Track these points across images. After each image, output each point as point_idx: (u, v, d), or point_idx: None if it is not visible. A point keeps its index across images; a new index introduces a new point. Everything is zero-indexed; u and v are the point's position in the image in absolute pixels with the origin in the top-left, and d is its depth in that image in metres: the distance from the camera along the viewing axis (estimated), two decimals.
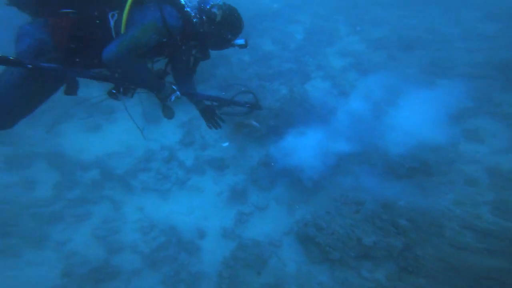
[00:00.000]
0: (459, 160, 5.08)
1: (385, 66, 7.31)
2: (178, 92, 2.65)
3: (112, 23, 2.32)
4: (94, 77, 2.42)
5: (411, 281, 3.90)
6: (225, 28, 2.64)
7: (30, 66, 2.08)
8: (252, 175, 5.47)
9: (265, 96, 5.92)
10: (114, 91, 2.54)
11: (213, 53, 2.92)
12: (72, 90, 2.51)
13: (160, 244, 4.73)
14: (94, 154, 6.00)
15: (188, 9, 2.47)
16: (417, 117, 5.26)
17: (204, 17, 2.56)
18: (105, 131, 6.57)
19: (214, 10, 2.54)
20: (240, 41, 2.80)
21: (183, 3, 2.47)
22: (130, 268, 4.44)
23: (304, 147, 5.09)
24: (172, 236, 4.83)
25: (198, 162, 5.74)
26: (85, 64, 2.49)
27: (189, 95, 3.02)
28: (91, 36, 2.36)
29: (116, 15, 2.33)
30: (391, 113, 5.72)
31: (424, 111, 5.31)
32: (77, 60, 2.43)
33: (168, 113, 2.82)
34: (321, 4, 11.41)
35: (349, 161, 5.29)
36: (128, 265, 4.47)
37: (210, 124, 3.35)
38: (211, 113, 3.29)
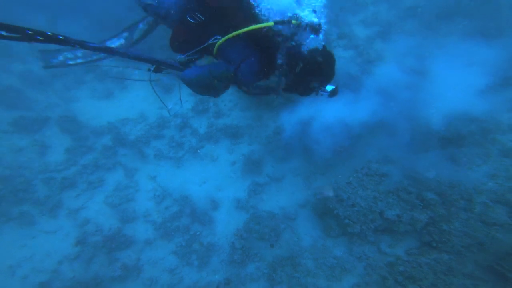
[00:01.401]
0: (497, 130, 4.61)
1: (417, 35, 6.60)
2: None
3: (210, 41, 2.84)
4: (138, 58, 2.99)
5: (433, 256, 3.72)
6: (308, 77, 2.80)
7: (77, 46, 2.58)
8: (267, 145, 5.19)
9: None
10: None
11: None
12: None
13: (172, 214, 4.65)
14: (106, 120, 5.83)
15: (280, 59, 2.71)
16: (453, 85, 4.72)
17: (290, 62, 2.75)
18: (117, 98, 6.35)
19: (299, 62, 2.70)
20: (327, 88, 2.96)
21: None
22: (143, 237, 4.41)
23: (323, 116, 4.70)
24: (185, 206, 4.72)
25: (212, 130, 5.48)
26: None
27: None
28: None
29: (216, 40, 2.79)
30: (422, 82, 5.17)
31: (462, 79, 4.75)
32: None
33: None
34: None
35: (372, 132, 4.88)
36: (141, 235, 4.44)
37: None
38: None
